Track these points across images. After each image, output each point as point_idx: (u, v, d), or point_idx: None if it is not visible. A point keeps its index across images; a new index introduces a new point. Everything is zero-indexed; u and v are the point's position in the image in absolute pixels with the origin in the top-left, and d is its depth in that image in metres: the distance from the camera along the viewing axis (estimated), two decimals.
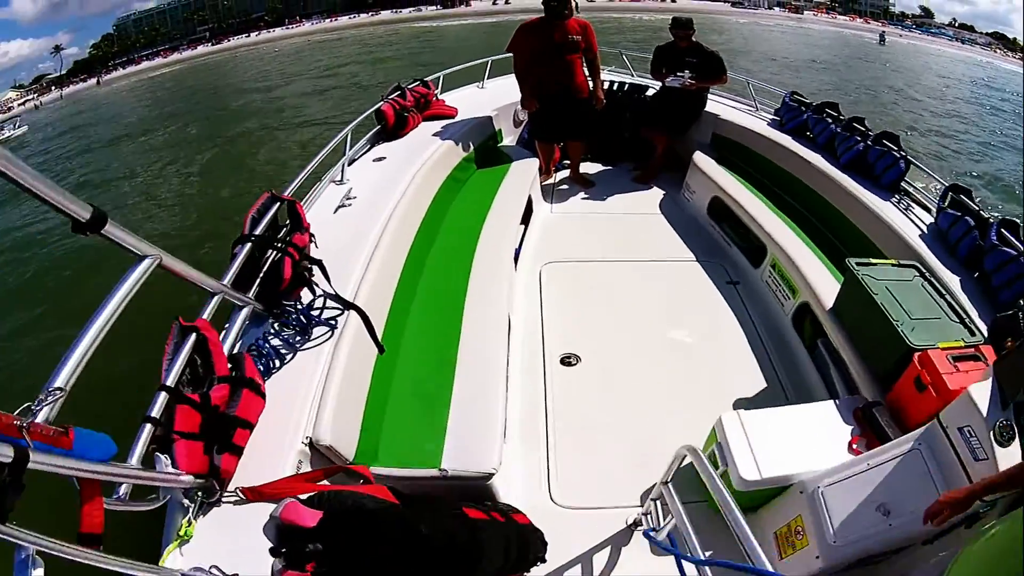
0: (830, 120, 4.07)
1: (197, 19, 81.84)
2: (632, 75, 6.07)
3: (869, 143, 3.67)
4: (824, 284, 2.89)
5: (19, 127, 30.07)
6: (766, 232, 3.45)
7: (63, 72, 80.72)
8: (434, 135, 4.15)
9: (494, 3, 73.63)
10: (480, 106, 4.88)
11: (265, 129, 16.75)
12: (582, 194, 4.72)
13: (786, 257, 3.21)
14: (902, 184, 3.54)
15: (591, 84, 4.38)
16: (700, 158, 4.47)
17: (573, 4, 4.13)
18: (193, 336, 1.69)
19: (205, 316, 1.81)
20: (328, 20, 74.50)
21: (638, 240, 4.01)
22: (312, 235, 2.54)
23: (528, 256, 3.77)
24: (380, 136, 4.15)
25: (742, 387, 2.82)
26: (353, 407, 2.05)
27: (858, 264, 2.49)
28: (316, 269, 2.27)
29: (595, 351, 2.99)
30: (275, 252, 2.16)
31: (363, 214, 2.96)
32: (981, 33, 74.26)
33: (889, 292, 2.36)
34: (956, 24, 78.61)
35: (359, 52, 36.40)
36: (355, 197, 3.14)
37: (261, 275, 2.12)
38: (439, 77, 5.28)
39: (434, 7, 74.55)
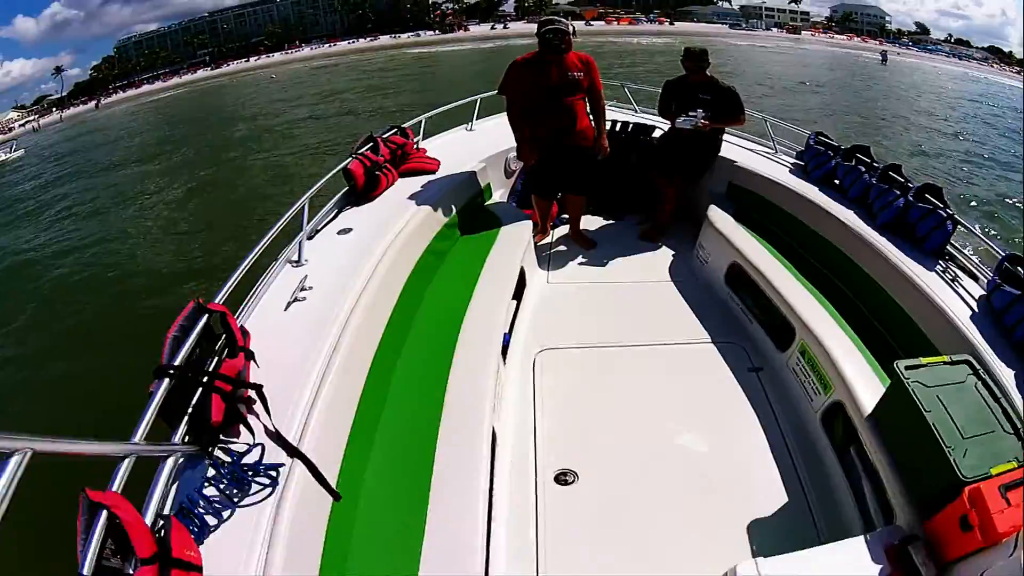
0: (863, 168, 3.58)
1: (197, 43, 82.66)
2: (636, 111, 5.68)
3: (910, 198, 3.18)
4: (862, 381, 2.43)
5: (15, 151, 29.75)
6: (795, 311, 2.95)
7: (64, 94, 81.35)
8: (410, 197, 3.60)
9: (492, 28, 74.32)
10: (466, 155, 4.35)
11: (251, 156, 16.59)
12: (582, 257, 4.17)
13: (818, 344, 2.74)
14: (947, 247, 3.12)
15: (595, 128, 3.88)
16: (715, 214, 3.94)
17: (571, 35, 3.59)
18: (103, 516, 1.26)
19: (116, 487, 1.38)
20: (327, 45, 75.17)
21: (645, 317, 3.51)
22: (250, 355, 2.02)
23: (520, 342, 3.26)
24: (348, 199, 3.59)
25: (761, 504, 2.37)
26: (305, 569, 1.62)
27: (907, 369, 2.06)
28: (257, 397, 1.81)
29: (594, 464, 2.50)
30: (199, 388, 1.71)
31: (321, 312, 2.46)
32: (977, 48, 74.76)
33: (940, 404, 1.94)
34: (952, 40, 79.17)
35: (354, 80, 36.35)
36: (311, 288, 2.62)
37: (189, 410, 1.68)
38: (421, 122, 4.74)
39: (432, 32, 75.19)
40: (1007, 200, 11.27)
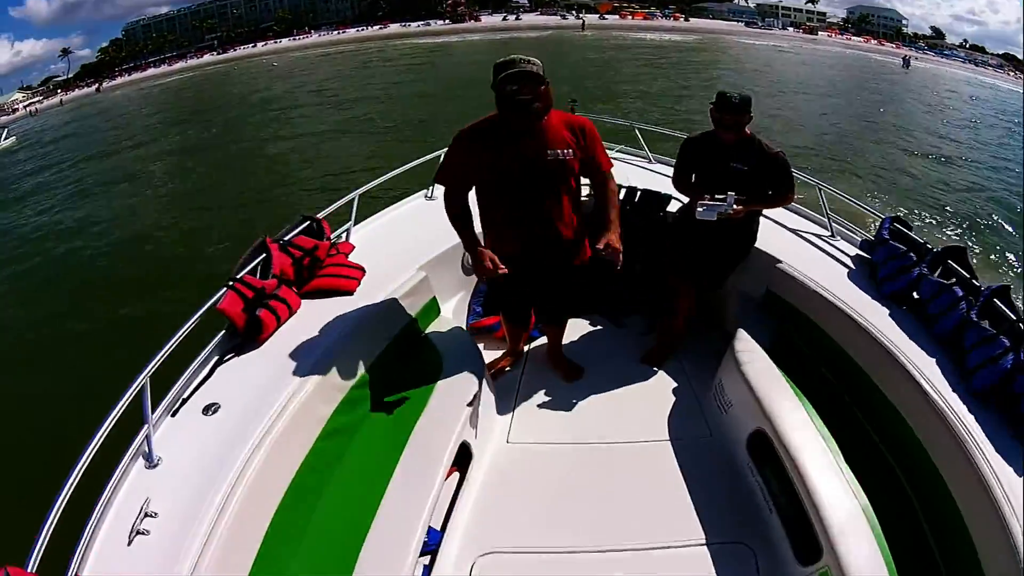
0: (959, 291, 2.50)
1: (206, 27, 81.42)
2: (649, 159, 4.67)
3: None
4: None
5: (6, 139, 28.59)
6: (826, 525, 1.96)
7: (70, 75, 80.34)
8: (311, 341, 2.51)
9: (504, 19, 72.80)
10: (413, 247, 3.26)
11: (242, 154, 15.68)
12: (558, 397, 3.09)
13: None
14: None
15: (610, 216, 2.47)
16: (743, 346, 2.84)
17: (547, 85, 2.30)
18: None
19: None
20: (335, 32, 73.76)
21: (635, 499, 2.50)
22: None
23: (455, 543, 2.27)
24: (227, 344, 2.49)
25: None
26: None
27: None
28: None
29: None
30: None
31: (169, 546, 1.60)
32: (992, 54, 72.75)
33: None
34: (967, 45, 77.15)
35: (357, 71, 35.26)
36: (155, 515, 1.70)
37: None
38: (353, 201, 3.47)
39: (443, 21, 73.70)
40: None
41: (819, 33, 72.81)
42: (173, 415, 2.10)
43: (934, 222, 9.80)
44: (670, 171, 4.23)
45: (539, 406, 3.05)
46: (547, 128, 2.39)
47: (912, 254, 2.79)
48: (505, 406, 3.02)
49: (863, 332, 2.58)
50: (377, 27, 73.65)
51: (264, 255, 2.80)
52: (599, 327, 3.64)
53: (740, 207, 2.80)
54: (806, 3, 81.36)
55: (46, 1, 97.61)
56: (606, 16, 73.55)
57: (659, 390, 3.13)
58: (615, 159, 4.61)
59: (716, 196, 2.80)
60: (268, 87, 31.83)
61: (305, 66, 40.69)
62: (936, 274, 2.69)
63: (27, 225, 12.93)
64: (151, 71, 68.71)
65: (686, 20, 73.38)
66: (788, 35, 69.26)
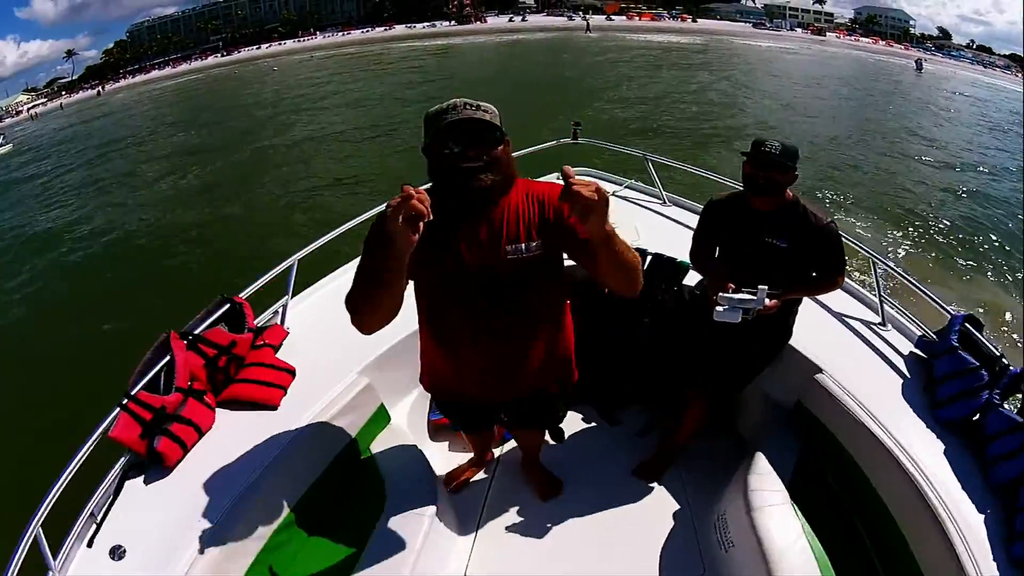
0: None
1: (210, 28, 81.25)
2: (663, 201, 4.05)
3: None
4: None
5: (2, 146, 28.30)
6: None
7: (75, 77, 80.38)
8: (225, 471, 2.03)
9: (510, 20, 72.16)
10: (348, 349, 2.58)
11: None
12: (532, 516, 2.51)
13: None
14: None
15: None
16: (759, 484, 2.23)
17: (506, 144, 1.60)
18: None
19: None
20: (340, 34, 73.36)
21: None
22: None
23: None
24: (132, 464, 2.02)
25: None
26: None
27: None
28: None
29: None
30: None
31: None
32: (999, 55, 71.46)
33: None
34: (974, 46, 75.88)
35: (361, 76, 34.71)
36: None
37: None
38: (290, 269, 2.86)
39: (448, 22, 73.12)
40: None
41: (827, 34, 71.80)
42: (80, 554, 1.78)
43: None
44: (686, 216, 3.61)
45: (506, 529, 2.48)
46: (505, 209, 1.65)
47: (984, 371, 2.18)
48: (466, 527, 2.45)
49: (907, 478, 2.00)
50: (382, 28, 73.21)
51: (168, 358, 2.24)
52: (590, 423, 3.04)
53: (773, 301, 2.19)
54: (813, 3, 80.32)
55: (52, 2, 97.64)
56: (613, 17, 72.73)
57: (652, 513, 2.54)
58: (623, 197, 4.02)
59: (743, 289, 2.16)
60: (258, 96, 31.13)
61: (303, 72, 40.11)
62: (1007, 401, 2.11)
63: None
64: (155, 73, 68.65)
65: (693, 21, 72.51)
66: (797, 36, 68.23)
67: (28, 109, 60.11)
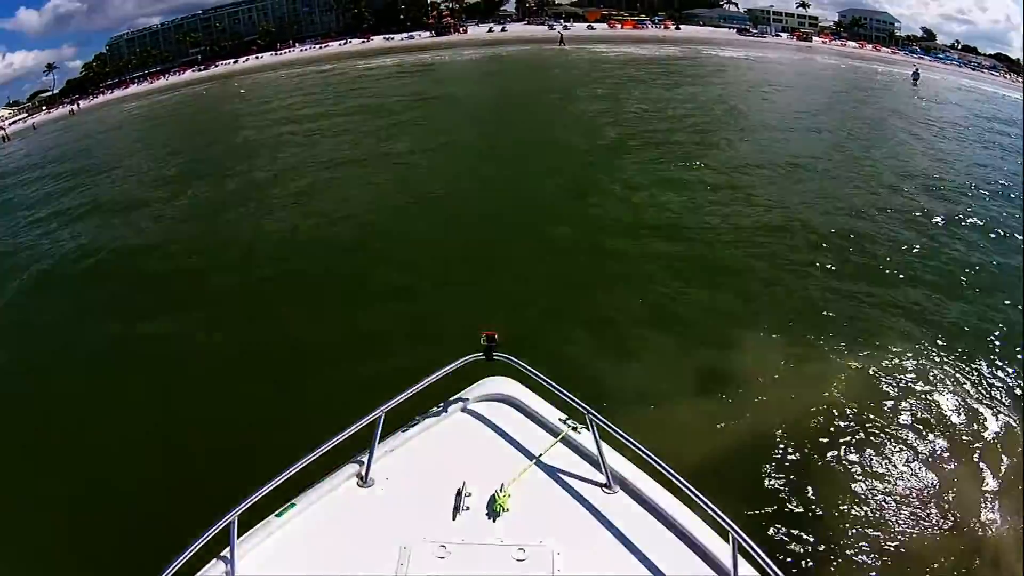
0: None
1: (189, 41, 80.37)
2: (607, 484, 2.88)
3: None
4: None
5: None
6: None
7: (56, 91, 79.28)
8: None
9: (489, 30, 71.52)
10: None
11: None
12: None
13: None
14: None
15: None
16: None
17: None
18: None
19: None
20: (318, 47, 72.93)
21: None
22: None
23: None
24: None
25: None
26: None
27: None
28: None
29: None
30: None
31: None
32: (985, 55, 71.18)
33: None
34: (959, 46, 75.44)
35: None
36: None
37: None
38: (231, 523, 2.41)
39: (428, 33, 72.54)
40: None
41: (813, 39, 71.41)
42: None
43: None
44: None
45: None
46: None
47: None
48: None
49: None
50: (360, 40, 72.73)
51: None
52: None
53: None
54: (797, 7, 79.84)
55: (37, 13, 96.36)
56: (594, 25, 72.12)
57: None
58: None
59: None
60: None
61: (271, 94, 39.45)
62: None
63: None
64: (133, 88, 67.93)
65: (677, 28, 71.94)
66: (782, 43, 67.82)
67: (10, 123, 58.85)
